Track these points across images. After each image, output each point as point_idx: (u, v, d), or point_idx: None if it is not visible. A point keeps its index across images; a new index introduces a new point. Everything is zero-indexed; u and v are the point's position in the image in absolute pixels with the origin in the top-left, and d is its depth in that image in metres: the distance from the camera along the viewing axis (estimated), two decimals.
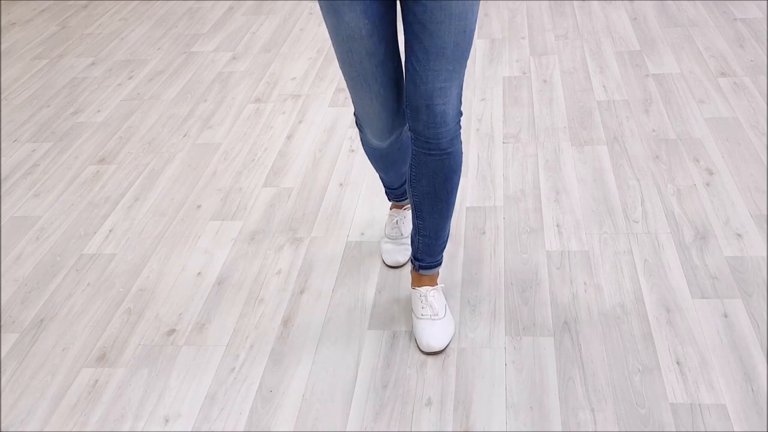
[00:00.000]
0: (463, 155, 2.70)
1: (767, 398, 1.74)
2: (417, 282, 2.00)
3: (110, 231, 2.48)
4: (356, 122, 1.93)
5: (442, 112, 1.70)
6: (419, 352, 1.93)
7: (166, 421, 1.80)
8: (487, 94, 3.12)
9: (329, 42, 3.70)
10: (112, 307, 2.16)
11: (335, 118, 3.03)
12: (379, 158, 2.02)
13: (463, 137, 2.81)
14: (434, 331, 1.91)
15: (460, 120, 1.78)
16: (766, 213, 2.31)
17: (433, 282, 2.00)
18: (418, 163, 1.80)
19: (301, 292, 2.16)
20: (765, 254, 2.15)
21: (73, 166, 2.86)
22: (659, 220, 2.32)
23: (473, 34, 1.65)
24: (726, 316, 1.96)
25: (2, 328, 2.12)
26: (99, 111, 3.24)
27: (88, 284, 2.26)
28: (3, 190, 2.75)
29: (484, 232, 2.33)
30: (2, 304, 2.21)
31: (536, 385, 1.81)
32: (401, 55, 1.79)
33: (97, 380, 1.93)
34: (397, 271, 2.20)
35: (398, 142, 1.94)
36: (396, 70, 1.76)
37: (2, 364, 2.00)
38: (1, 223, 2.56)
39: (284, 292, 2.16)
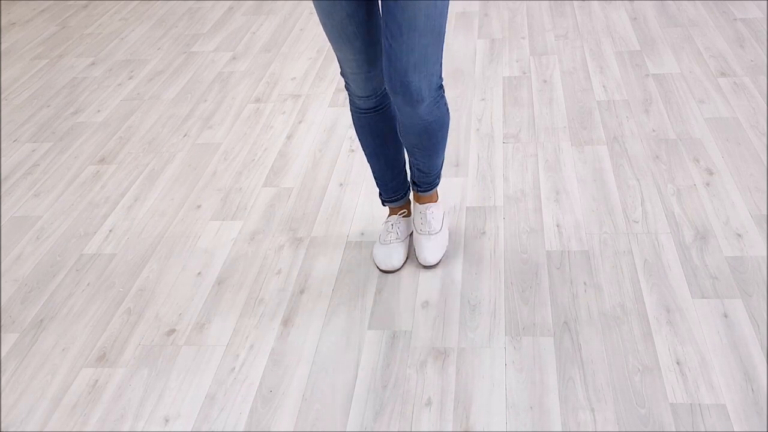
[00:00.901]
0: (463, 153, 2.71)
1: (767, 398, 1.74)
2: (418, 199, 2.20)
3: (110, 231, 2.48)
4: (345, 86, 2.02)
5: (418, 88, 1.75)
6: (420, 351, 1.93)
7: (166, 421, 1.80)
8: (487, 94, 3.12)
9: (329, 42, 3.70)
10: (112, 307, 2.16)
11: (335, 118, 3.03)
12: (367, 128, 2.07)
13: (462, 137, 2.81)
14: (430, 246, 2.16)
15: (440, 94, 1.85)
16: (766, 213, 2.31)
17: (432, 199, 2.20)
18: (404, 125, 1.93)
19: (301, 292, 2.16)
20: (765, 254, 2.15)
21: (73, 166, 2.86)
22: (659, 220, 2.32)
23: (446, 9, 1.71)
24: (726, 316, 1.96)
25: (2, 328, 2.12)
26: (99, 111, 3.24)
27: (88, 284, 2.26)
28: (3, 190, 2.75)
29: (484, 232, 2.33)
30: (2, 304, 2.21)
31: (536, 385, 1.81)
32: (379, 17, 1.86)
33: (97, 380, 1.93)
34: (397, 271, 2.20)
35: (384, 106, 2.03)
36: (376, 28, 1.84)
37: (2, 364, 2.00)
38: (1, 223, 2.56)
39: (284, 292, 2.16)
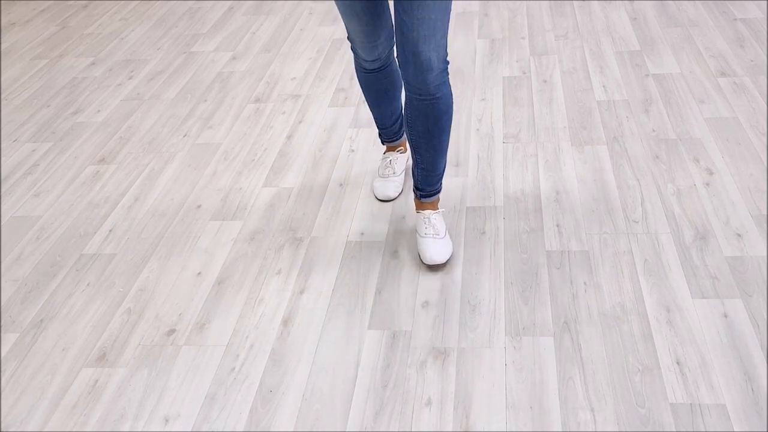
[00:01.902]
0: (463, 153, 2.71)
1: (767, 398, 1.74)
2: (420, 207, 2.27)
3: (110, 231, 2.48)
4: (351, 47, 2.23)
5: (428, 59, 1.91)
6: (420, 351, 1.93)
7: (166, 421, 1.80)
8: (487, 94, 3.12)
9: (329, 42, 3.70)
10: (112, 307, 2.16)
11: (335, 118, 3.03)
12: (371, 84, 2.31)
13: (463, 137, 2.81)
14: (437, 247, 2.17)
15: (446, 68, 1.98)
16: (766, 213, 2.31)
17: (434, 207, 2.26)
18: (411, 107, 2.04)
19: (301, 292, 2.16)
20: (765, 254, 2.15)
21: (73, 166, 2.86)
22: (659, 220, 2.32)
23: None
24: (726, 316, 1.96)
25: (2, 328, 2.12)
26: (99, 111, 3.24)
27: (88, 284, 2.26)
28: (3, 190, 2.75)
29: (484, 232, 2.33)
30: (2, 304, 2.21)
31: (536, 385, 1.81)
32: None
33: (97, 380, 1.93)
34: (397, 271, 2.21)
35: (386, 67, 2.27)
36: (382, 3, 2.06)
37: (2, 364, 2.00)
38: (1, 223, 2.56)
39: (284, 292, 2.16)
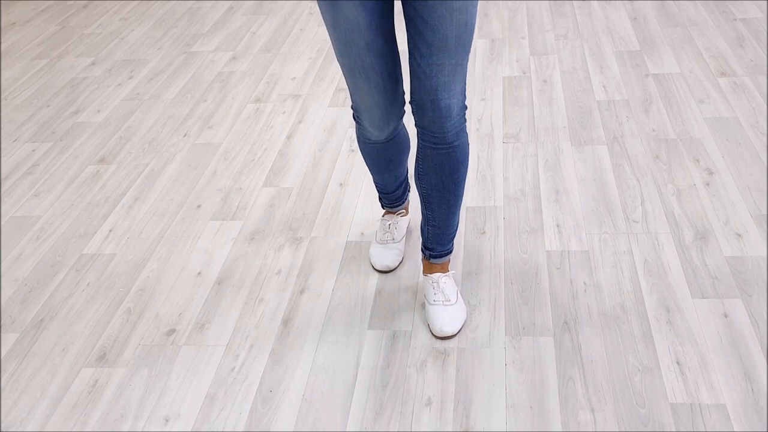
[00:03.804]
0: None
1: (767, 398, 1.74)
2: (428, 270, 2.04)
3: (110, 231, 2.48)
4: (354, 116, 1.94)
5: (447, 106, 1.74)
6: (420, 351, 1.93)
7: (166, 421, 1.80)
8: (487, 94, 3.12)
9: (329, 42, 3.70)
10: (112, 307, 2.16)
11: (335, 118, 3.03)
12: (375, 155, 2.02)
13: None
14: (447, 316, 1.95)
15: (464, 113, 1.81)
16: (766, 213, 2.31)
17: (444, 269, 2.04)
18: (425, 157, 1.84)
19: (301, 292, 2.16)
20: (765, 254, 2.15)
21: (73, 166, 2.86)
22: (659, 220, 2.32)
23: (474, 27, 1.67)
24: (726, 316, 1.96)
25: (2, 328, 2.12)
26: (99, 111, 3.24)
27: (88, 284, 2.26)
28: (3, 190, 2.75)
29: (484, 232, 2.33)
30: (2, 304, 2.21)
31: (536, 385, 1.81)
32: (398, 48, 1.81)
33: (97, 380, 1.93)
34: (396, 271, 2.20)
35: (395, 137, 1.96)
36: (394, 60, 1.78)
37: (2, 364, 2.00)
38: (1, 223, 2.56)
39: (284, 292, 2.16)
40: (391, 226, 2.23)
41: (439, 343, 1.95)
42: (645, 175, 2.53)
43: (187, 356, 1.98)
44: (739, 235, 2.23)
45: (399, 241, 2.23)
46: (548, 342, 1.93)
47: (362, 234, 2.37)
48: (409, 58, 1.72)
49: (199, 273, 2.27)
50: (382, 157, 2.03)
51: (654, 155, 2.62)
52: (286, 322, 2.06)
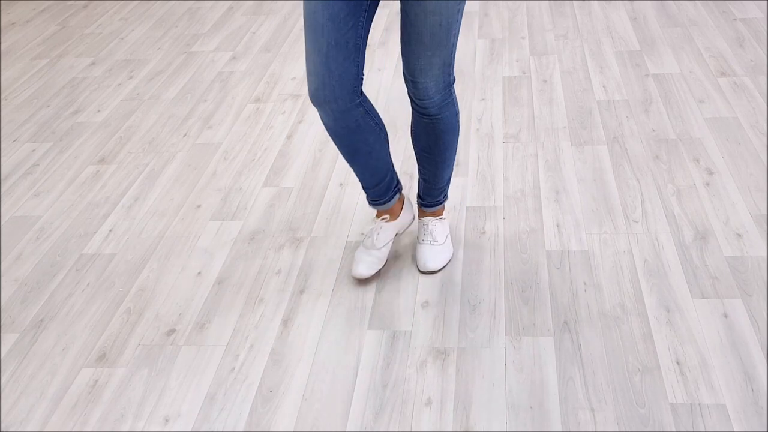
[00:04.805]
0: (463, 153, 2.71)
1: (767, 398, 1.74)
2: (421, 214, 2.23)
3: (110, 231, 2.48)
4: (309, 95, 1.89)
5: (424, 87, 1.90)
6: (420, 351, 1.93)
7: (166, 421, 1.80)
8: (487, 94, 3.12)
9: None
10: (112, 307, 2.16)
11: None
12: (338, 141, 1.95)
13: (463, 137, 2.81)
14: (432, 254, 2.16)
15: (450, 90, 1.95)
16: (766, 213, 2.31)
17: (435, 214, 2.22)
18: (416, 122, 2.03)
19: (301, 292, 2.16)
20: (765, 254, 2.15)
21: (73, 166, 2.86)
22: (659, 220, 2.32)
23: (452, 26, 1.80)
24: (726, 316, 1.96)
25: (2, 328, 2.12)
26: (99, 111, 3.24)
27: (88, 284, 2.26)
28: (3, 190, 2.75)
29: (484, 232, 2.33)
30: (2, 304, 2.21)
31: (536, 385, 1.81)
32: (364, 30, 1.82)
33: (97, 380, 1.93)
34: (397, 271, 2.21)
35: (351, 124, 1.89)
36: (349, 33, 1.77)
37: (2, 364, 2.00)
38: (1, 223, 2.56)
39: (284, 292, 2.16)
40: (374, 231, 2.16)
41: (439, 343, 1.95)
42: (645, 175, 2.53)
43: (187, 356, 1.98)
44: (739, 235, 2.23)
45: (380, 248, 2.15)
46: (548, 342, 1.93)
47: (362, 234, 2.37)
48: (400, 43, 1.88)
49: (199, 273, 2.27)
50: (345, 144, 1.95)
51: (654, 155, 2.62)
52: (286, 322, 2.06)
